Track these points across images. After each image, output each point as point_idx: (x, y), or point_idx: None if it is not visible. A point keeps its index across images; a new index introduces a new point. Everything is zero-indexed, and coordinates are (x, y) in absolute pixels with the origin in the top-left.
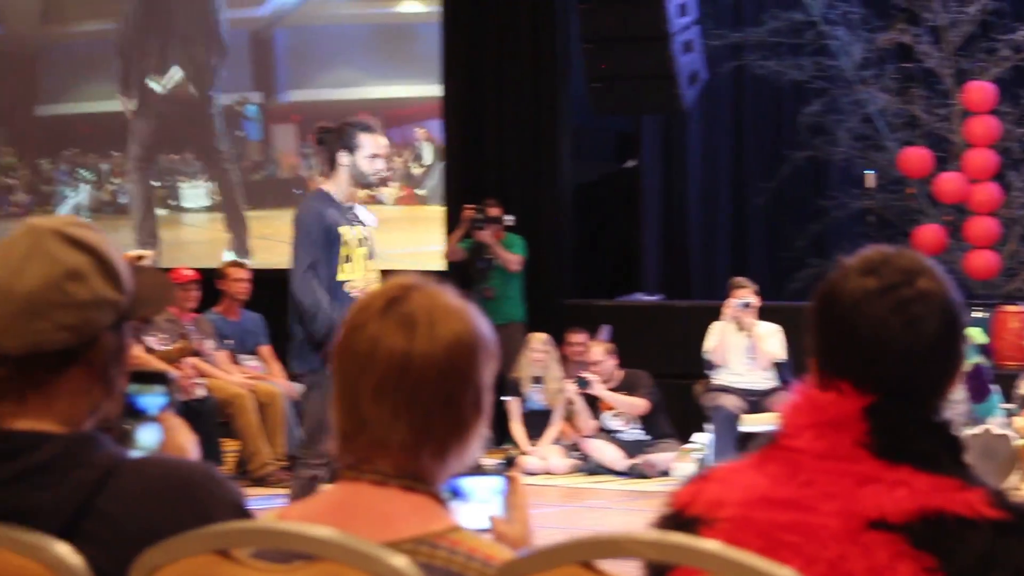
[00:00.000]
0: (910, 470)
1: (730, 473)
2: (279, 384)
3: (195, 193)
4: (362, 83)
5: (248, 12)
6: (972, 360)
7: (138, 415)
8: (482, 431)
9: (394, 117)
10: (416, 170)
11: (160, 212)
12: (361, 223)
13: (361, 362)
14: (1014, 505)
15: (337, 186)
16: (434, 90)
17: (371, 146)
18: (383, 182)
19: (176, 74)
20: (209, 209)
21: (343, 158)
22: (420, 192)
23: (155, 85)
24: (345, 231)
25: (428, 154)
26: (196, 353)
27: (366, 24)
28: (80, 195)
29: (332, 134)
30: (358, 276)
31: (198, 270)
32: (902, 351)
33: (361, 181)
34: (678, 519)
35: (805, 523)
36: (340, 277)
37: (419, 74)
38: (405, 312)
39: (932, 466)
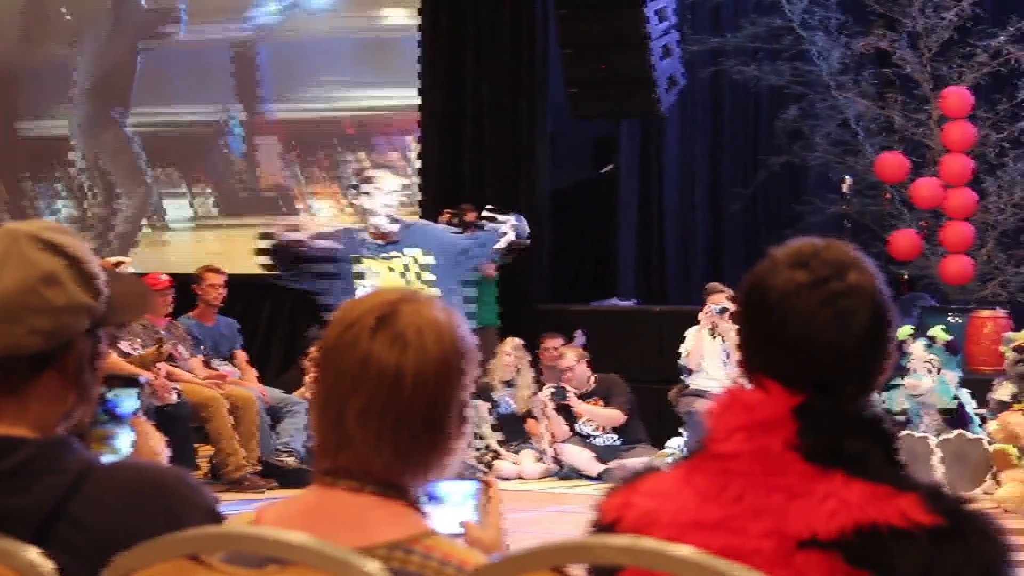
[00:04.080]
0: (842, 477)
1: (658, 485)
2: (253, 388)
3: (178, 209)
4: (344, 95)
5: (230, 30)
6: (950, 398)
7: (113, 419)
8: (464, 443)
9: (378, 127)
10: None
11: (143, 229)
12: (402, 250)
13: (349, 381)
14: (949, 507)
15: (366, 228)
16: (415, 100)
17: (379, 182)
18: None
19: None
20: (192, 225)
21: (359, 200)
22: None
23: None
24: (370, 262)
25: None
26: (170, 358)
27: (347, 37)
28: (59, 213)
29: (354, 180)
30: None
31: (173, 275)
32: (830, 346)
33: (372, 220)
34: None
35: (737, 547)
36: None
37: (401, 85)
38: (396, 331)
39: (863, 470)
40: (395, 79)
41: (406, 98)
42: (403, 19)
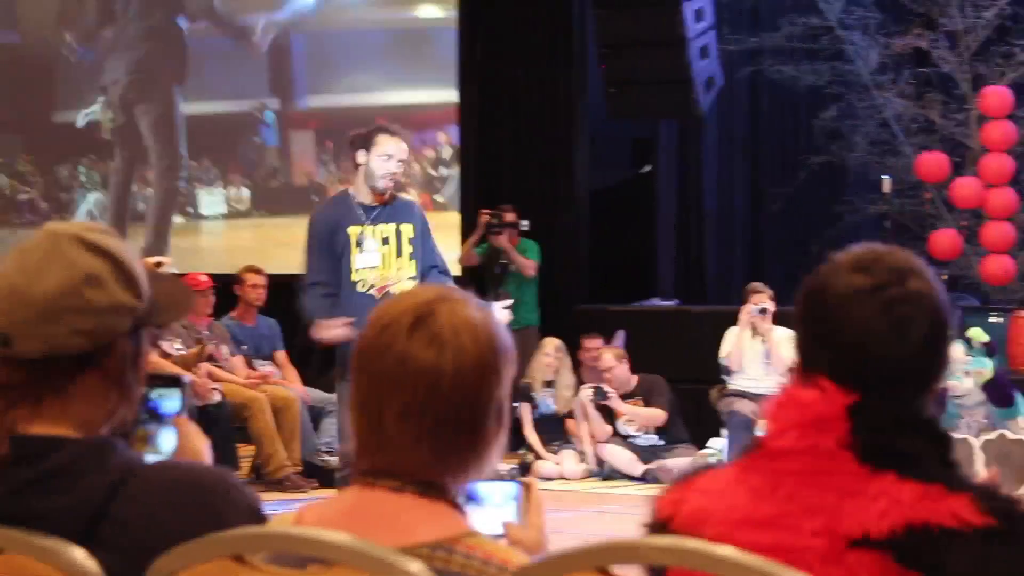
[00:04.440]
0: (893, 477)
1: (713, 483)
2: (294, 389)
3: (212, 200)
4: (380, 88)
5: (265, 17)
6: (988, 367)
7: (155, 419)
8: (502, 443)
9: (412, 122)
10: (436, 173)
11: (176, 219)
12: (393, 220)
13: (387, 382)
14: (1001, 508)
15: (358, 186)
16: (452, 96)
17: (385, 146)
18: (395, 186)
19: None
20: (226, 217)
21: (360, 156)
22: (439, 198)
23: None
24: (353, 232)
25: (450, 159)
26: (211, 358)
27: (383, 29)
28: (90, 202)
29: (359, 136)
30: (376, 275)
31: (215, 276)
32: (888, 352)
33: (371, 181)
34: (662, 533)
35: (788, 544)
36: (353, 277)
37: (437, 80)
38: (433, 331)
39: (916, 470)
40: (430, 74)
41: (440, 94)
42: (440, 12)
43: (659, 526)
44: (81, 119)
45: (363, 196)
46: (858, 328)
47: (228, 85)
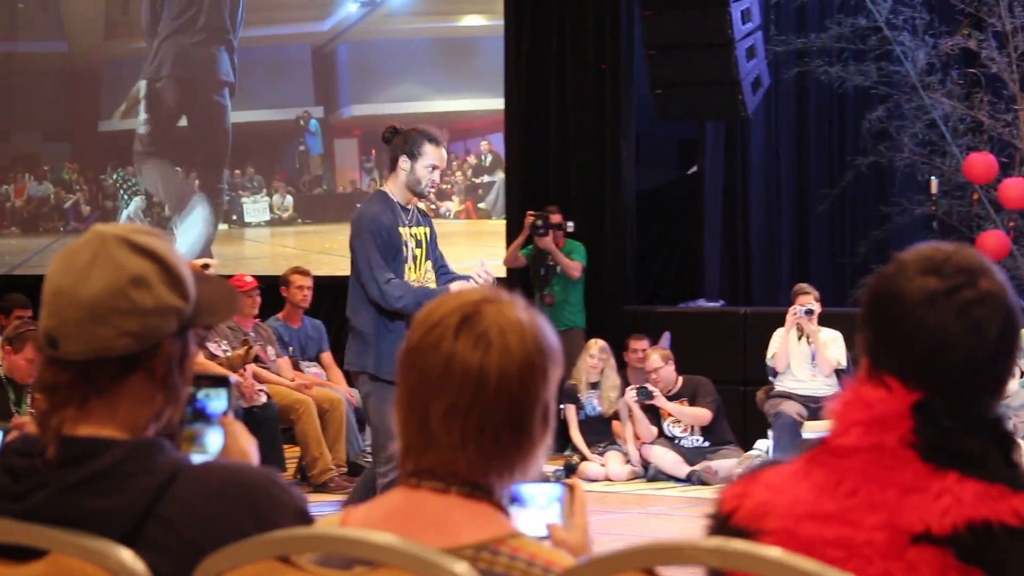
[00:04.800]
0: (956, 476)
1: (777, 478)
2: (340, 390)
3: (256, 208)
4: (425, 97)
5: (310, 27)
6: None
7: (202, 419)
8: (547, 444)
9: (456, 131)
10: (479, 180)
11: (221, 227)
12: (421, 224)
13: (433, 383)
14: None
15: (395, 187)
16: (497, 103)
17: (432, 157)
18: (435, 194)
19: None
20: (269, 224)
21: (403, 162)
22: (482, 206)
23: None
24: (403, 232)
25: (491, 166)
26: (258, 359)
27: (428, 38)
28: (132, 209)
29: (399, 137)
30: (414, 277)
31: (260, 277)
32: (964, 355)
33: (414, 188)
34: (724, 526)
35: (850, 538)
36: (405, 277)
37: (482, 88)
38: (479, 332)
39: (979, 470)
40: (475, 83)
41: (486, 102)
42: (484, 21)
43: (722, 519)
44: (118, 117)
45: (399, 197)
46: (933, 332)
47: (273, 93)
